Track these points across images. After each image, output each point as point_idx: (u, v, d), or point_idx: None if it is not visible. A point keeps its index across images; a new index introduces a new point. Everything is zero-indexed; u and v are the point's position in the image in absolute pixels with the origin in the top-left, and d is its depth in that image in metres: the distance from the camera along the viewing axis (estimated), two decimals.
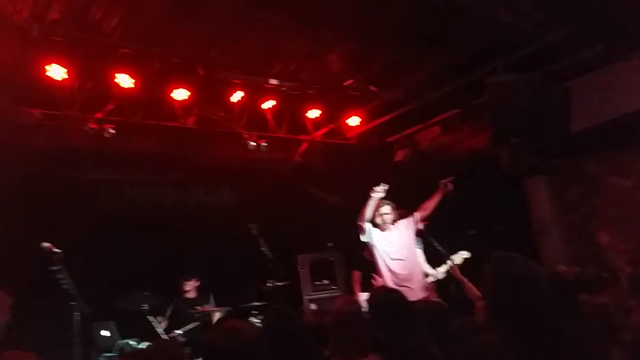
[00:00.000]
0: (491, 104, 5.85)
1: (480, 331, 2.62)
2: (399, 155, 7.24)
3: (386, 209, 5.47)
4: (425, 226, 5.68)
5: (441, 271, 5.56)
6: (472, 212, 6.60)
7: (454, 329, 2.83)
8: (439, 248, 5.62)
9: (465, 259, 5.57)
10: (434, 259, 5.74)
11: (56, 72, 4.98)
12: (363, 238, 5.48)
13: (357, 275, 6.65)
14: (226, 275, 6.52)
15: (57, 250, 4.09)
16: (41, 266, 4.09)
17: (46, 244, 4.10)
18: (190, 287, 6.38)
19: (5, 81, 4.97)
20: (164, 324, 5.91)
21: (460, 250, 5.67)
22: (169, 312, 6.08)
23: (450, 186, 5.45)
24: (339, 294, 7.04)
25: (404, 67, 6.06)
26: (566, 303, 2.78)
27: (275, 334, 2.58)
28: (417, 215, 5.51)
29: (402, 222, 5.53)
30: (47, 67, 4.95)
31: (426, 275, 5.62)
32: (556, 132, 5.94)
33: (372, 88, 6.56)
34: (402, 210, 5.66)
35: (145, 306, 5.67)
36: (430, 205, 5.49)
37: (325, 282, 7.46)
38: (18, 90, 5.07)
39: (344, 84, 6.39)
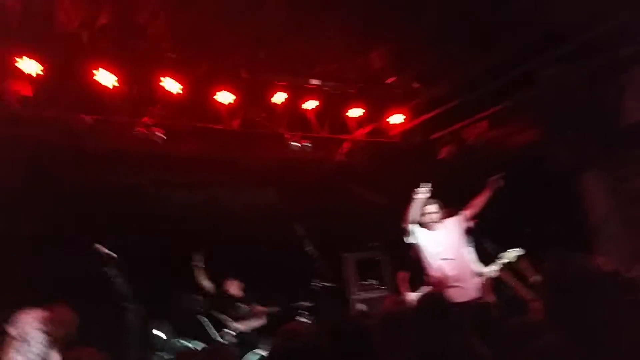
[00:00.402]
0: (542, 97, 5.66)
1: (538, 333, 2.51)
2: (444, 153, 7.08)
3: (432, 207, 5.35)
4: (477, 224, 5.55)
5: (493, 270, 5.40)
6: (525, 210, 6.39)
7: (509, 329, 2.73)
8: (489, 247, 5.48)
9: (519, 256, 5.40)
10: (486, 258, 5.60)
11: (105, 77, 5.15)
12: (408, 240, 5.39)
13: (402, 275, 6.55)
14: (273, 275, 6.55)
15: (111, 252, 4.20)
16: (96, 269, 4.20)
17: (100, 247, 4.22)
18: (236, 287, 6.44)
19: (58, 87, 5.17)
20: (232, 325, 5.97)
21: (512, 248, 5.51)
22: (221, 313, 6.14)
23: (500, 183, 5.29)
24: (387, 293, 6.95)
25: (447, 62, 5.94)
26: (630, 302, 2.65)
27: (334, 336, 2.55)
28: (466, 213, 5.37)
29: (450, 221, 5.40)
30: (95, 72, 5.11)
31: (479, 274, 5.48)
32: (611, 124, 5.70)
33: (415, 85, 6.46)
34: (450, 209, 5.53)
35: (198, 307, 5.76)
36: (479, 202, 5.35)
37: (373, 281, 7.39)
38: (70, 97, 5.25)
39: (386, 81, 6.30)
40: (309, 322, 5.46)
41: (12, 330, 3.20)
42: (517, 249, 5.47)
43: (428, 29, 5.20)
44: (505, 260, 5.38)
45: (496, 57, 5.73)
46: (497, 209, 6.13)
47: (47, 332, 3.20)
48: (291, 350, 2.01)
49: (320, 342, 2.12)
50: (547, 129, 5.89)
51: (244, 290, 6.45)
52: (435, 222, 5.33)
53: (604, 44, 5.36)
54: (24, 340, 3.33)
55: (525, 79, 5.88)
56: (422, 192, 5.23)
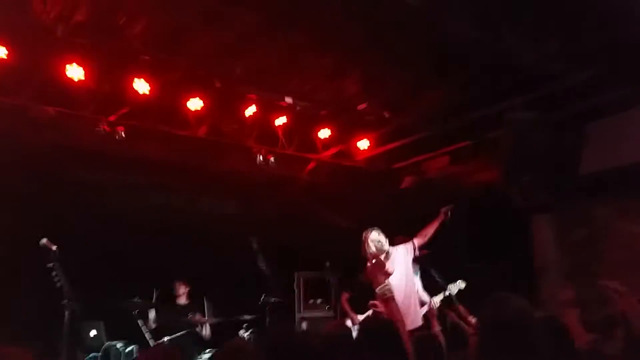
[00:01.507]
0: (507, 139, 5.85)
1: None
2: (406, 182, 7.24)
3: (375, 234, 5.40)
4: (426, 254, 5.67)
5: (437, 300, 5.56)
6: (476, 245, 6.57)
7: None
8: (437, 278, 5.61)
9: (461, 290, 5.58)
10: (432, 288, 5.72)
11: (75, 72, 5.06)
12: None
13: (345, 296, 6.64)
14: (221, 285, 6.51)
15: (55, 247, 4.09)
16: (39, 263, 4.09)
17: (45, 241, 4.11)
18: (182, 292, 6.38)
19: (25, 78, 5.06)
20: (151, 327, 5.90)
21: (457, 280, 5.68)
22: (153, 316, 6.05)
23: (449, 215, 5.45)
24: (331, 314, 6.99)
25: (419, 94, 6.09)
26: (563, 347, 2.77)
27: (275, 354, 2.55)
28: (416, 241, 5.49)
29: (401, 248, 5.51)
30: (67, 67, 5.03)
31: (423, 303, 5.61)
32: (568, 173, 5.93)
33: (386, 113, 6.59)
34: (402, 237, 5.64)
35: (136, 310, 5.66)
36: (429, 232, 5.49)
37: (319, 301, 7.41)
38: (37, 88, 5.15)
39: (358, 107, 6.41)
40: (250, 337, 5.44)
41: None
42: (461, 281, 5.64)
43: (401, 59, 5.34)
44: (450, 292, 5.54)
45: (464, 96, 5.92)
46: (449, 242, 6.29)
47: None
48: None
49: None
50: (505, 170, 6.09)
51: (189, 296, 6.39)
52: (385, 248, 5.40)
53: (572, 93, 5.61)
54: None
55: (489, 120, 6.09)
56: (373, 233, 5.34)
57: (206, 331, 6.19)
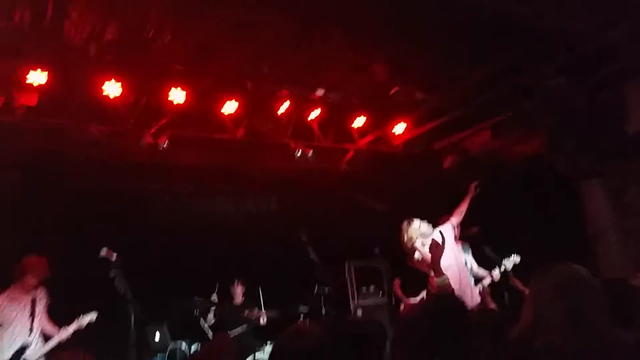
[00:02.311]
0: (546, 107, 5.69)
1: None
2: (447, 162, 7.13)
3: (416, 225, 5.26)
4: (477, 232, 5.62)
5: (495, 274, 5.50)
6: (527, 217, 6.43)
7: (515, 337, 2.75)
8: (491, 254, 5.54)
9: (516, 264, 5.49)
10: (486, 264, 5.66)
11: (112, 89, 5.24)
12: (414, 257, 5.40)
13: (397, 282, 6.65)
14: (275, 281, 6.63)
15: (115, 256, 4.28)
16: (100, 272, 4.29)
17: (104, 251, 4.30)
18: (238, 292, 6.55)
19: (66, 100, 5.29)
20: (210, 322, 6.12)
21: (511, 255, 5.60)
22: (212, 314, 6.25)
23: (477, 190, 5.35)
24: (385, 301, 7.00)
25: (451, 72, 5.99)
26: (627, 311, 2.68)
27: (340, 340, 2.58)
28: (454, 220, 5.42)
29: (447, 228, 5.46)
30: (103, 86, 5.22)
31: (478, 280, 5.56)
32: (613, 134, 5.73)
33: (419, 95, 6.51)
34: (441, 217, 5.59)
35: (196, 309, 5.85)
36: (463, 208, 5.39)
37: (372, 289, 7.42)
38: (76, 107, 5.37)
39: (390, 91, 6.37)
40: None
41: None
42: (516, 255, 5.55)
43: (430, 39, 5.26)
44: (505, 267, 5.46)
45: (498, 68, 5.78)
46: (500, 217, 6.19)
47: None
48: (297, 349, 2.01)
49: (327, 343, 2.12)
50: (548, 138, 5.93)
51: (245, 295, 6.54)
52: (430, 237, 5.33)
53: (606, 54, 5.40)
54: None
55: (527, 90, 5.94)
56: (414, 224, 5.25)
57: (264, 322, 6.33)
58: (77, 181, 5.85)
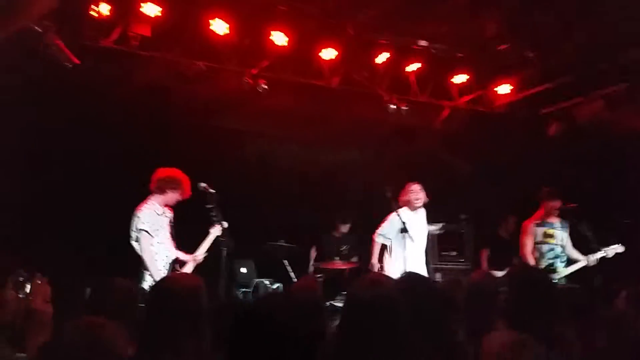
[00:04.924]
0: None
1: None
2: (552, 130, 6.67)
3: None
4: (574, 208, 5.32)
5: (591, 260, 5.23)
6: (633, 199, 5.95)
7: (609, 317, 2.61)
8: (587, 233, 5.24)
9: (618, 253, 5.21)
10: (584, 246, 5.38)
11: (219, 27, 5.34)
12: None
13: (485, 252, 6.46)
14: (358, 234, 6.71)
15: (212, 190, 4.47)
16: (198, 204, 4.51)
17: (203, 184, 4.50)
18: (344, 229, 6.80)
19: (176, 34, 5.46)
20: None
21: (615, 244, 5.27)
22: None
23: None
24: (465, 267, 6.84)
25: (567, 32, 5.50)
26: None
27: (413, 294, 2.57)
28: None
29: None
30: (211, 22, 5.32)
31: (571, 262, 5.34)
32: None
33: (529, 54, 6.07)
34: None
35: (282, 252, 6.06)
36: None
37: (453, 253, 7.27)
38: (185, 42, 5.53)
39: (499, 48, 5.98)
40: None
41: None
42: (620, 245, 5.23)
43: None
44: (606, 254, 5.16)
45: (618, 33, 5.23)
46: (602, 195, 5.78)
47: None
48: (373, 297, 2.01)
49: (395, 295, 2.10)
50: None
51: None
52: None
53: None
54: None
55: None
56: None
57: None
58: (179, 116, 6.11)
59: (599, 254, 5.31)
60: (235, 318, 1.83)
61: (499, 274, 6.00)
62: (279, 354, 1.48)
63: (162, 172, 4.47)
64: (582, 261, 5.39)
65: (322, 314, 2.86)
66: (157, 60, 5.60)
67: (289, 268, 6.19)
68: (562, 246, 5.53)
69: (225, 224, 4.48)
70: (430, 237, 6.80)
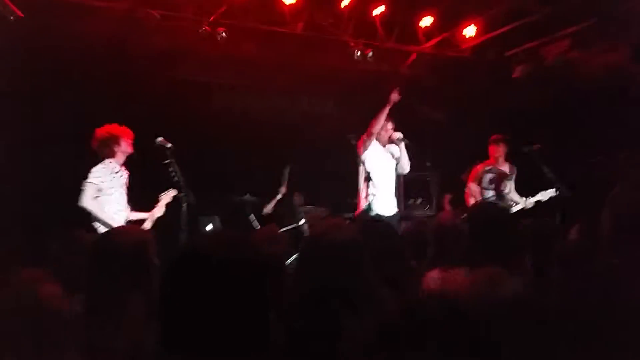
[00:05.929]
0: (632, 14, 5.06)
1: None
2: (519, 71, 6.62)
3: None
4: (538, 149, 5.35)
5: (529, 203, 5.42)
6: (602, 137, 5.99)
7: (569, 248, 2.63)
8: (549, 174, 5.30)
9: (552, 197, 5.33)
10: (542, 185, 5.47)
11: None
12: None
13: (447, 197, 6.54)
14: (321, 184, 6.67)
15: (170, 145, 4.33)
16: (155, 159, 4.38)
17: (160, 139, 4.36)
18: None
19: None
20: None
21: (550, 189, 5.38)
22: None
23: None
24: (431, 214, 6.90)
25: None
26: None
27: (371, 236, 2.55)
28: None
29: None
30: None
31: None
32: None
33: None
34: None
35: (247, 206, 6.00)
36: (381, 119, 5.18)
37: (419, 201, 7.29)
38: None
39: None
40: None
41: None
42: (554, 190, 5.33)
43: None
44: (542, 198, 5.41)
45: None
46: (567, 133, 5.81)
47: None
48: (333, 241, 1.97)
49: (355, 238, 2.07)
50: (636, 49, 5.34)
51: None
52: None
53: None
54: None
55: None
56: None
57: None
58: (137, 69, 5.86)
59: (536, 197, 5.48)
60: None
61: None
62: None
63: (98, 133, 4.31)
64: (520, 204, 5.54)
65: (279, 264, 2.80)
66: (110, 10, 5.32)
67: (255, 223, 6.13)
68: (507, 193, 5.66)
69: (175, 191, 4.38)
70: (397, 185, 6.85)
